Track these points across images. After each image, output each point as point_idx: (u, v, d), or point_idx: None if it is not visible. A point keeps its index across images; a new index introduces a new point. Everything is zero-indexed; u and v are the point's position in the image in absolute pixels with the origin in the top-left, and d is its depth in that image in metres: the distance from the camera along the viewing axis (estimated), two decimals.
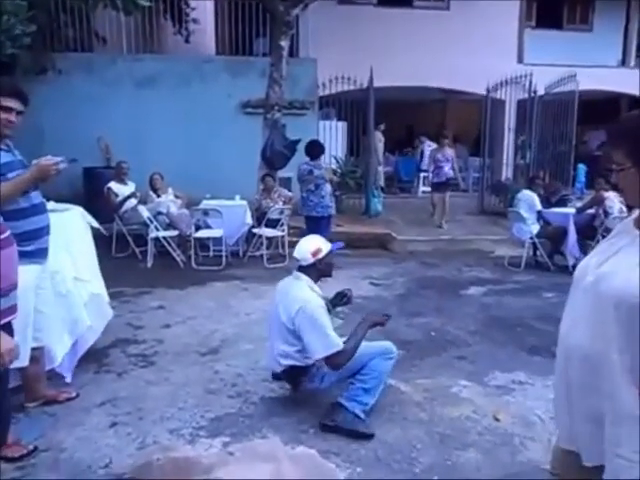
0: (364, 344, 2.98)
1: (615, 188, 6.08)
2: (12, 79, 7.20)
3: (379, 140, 11.35)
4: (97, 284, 3.69)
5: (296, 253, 3.11)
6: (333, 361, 2.86)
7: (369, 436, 2.86)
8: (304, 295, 2.97)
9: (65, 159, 2.74)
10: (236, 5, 10.16)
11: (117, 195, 7.07)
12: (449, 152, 9.20)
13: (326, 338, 2.85)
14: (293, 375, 3.10)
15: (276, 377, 3.52)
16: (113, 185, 7.16)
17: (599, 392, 1.43)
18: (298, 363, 3.00)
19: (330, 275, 3.27)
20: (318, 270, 3.09)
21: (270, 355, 3.17)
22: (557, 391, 1.63)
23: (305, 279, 3.06)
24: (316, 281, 3.11)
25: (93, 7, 7.61)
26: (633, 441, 1.36)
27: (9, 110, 2.62)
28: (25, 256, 2.57)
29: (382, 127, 11.42)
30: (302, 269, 3.10)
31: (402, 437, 2.86)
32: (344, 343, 2.89)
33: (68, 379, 3.30)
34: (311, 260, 3.04)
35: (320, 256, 3.05)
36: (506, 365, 3.80)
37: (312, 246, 3.09)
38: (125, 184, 7.26)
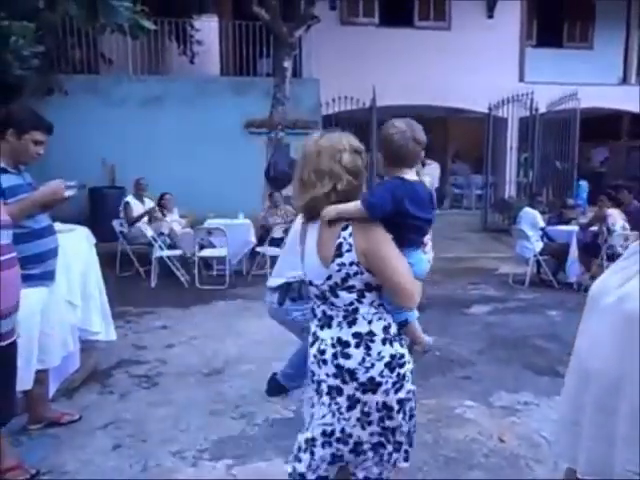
0: None
1: (618, 204, 6.11)
2: (20, 101, 7.31)
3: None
4: (83, 314, 3.46)
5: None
6: None
7: None
8: None
9: (76, 184, 2.70)
10: (240, 26, 10.33)
11: (132, 210, 7.10)
12: None
13: None
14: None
15: (271, 393, 3.50)
16: (130, 200, 7.21)
17: (616, 413, 1.44)
18: None
19: None
20: None
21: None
22: (563, 412, 1.63)
23: None
24: None
25: (100, 31, 7.75)
26: None
27: (40, 144, 2.65)
28: (32, 279, 2.58)
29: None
30: None
31: None
32: None
33: None
34: None
35: None
36: (511, 385, 3.77)
37: None
38: (142, 201, 7.29)
